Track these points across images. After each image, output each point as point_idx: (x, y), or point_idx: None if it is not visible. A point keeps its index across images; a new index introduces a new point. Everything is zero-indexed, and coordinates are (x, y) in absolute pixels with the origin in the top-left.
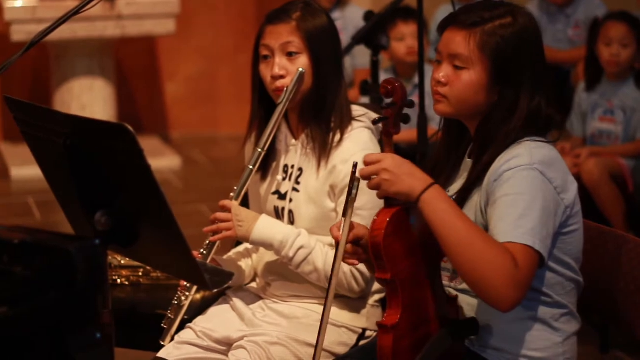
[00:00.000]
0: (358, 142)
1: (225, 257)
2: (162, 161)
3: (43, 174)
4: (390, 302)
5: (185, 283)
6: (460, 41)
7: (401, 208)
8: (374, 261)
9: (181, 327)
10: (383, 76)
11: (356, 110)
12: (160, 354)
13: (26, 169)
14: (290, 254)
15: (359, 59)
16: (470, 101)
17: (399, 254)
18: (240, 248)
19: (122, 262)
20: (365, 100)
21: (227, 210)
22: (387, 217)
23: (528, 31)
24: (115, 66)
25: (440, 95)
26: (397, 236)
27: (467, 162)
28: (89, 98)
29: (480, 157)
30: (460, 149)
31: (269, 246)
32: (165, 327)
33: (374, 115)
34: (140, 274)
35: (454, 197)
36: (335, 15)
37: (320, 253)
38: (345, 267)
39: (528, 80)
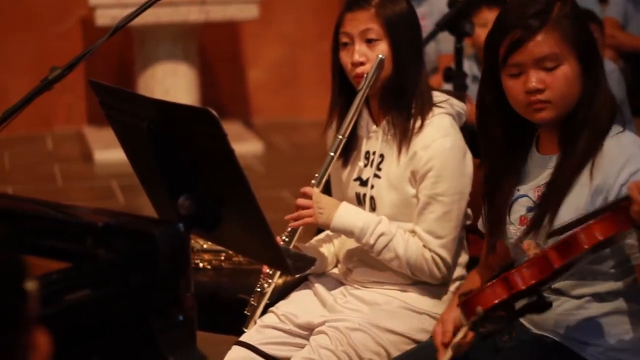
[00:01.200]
0: (439, 127)
1: (307, 244)
2: (245, 146)
3: (127, 158)
4: None
5: (267, 270)
6: (542, 43)
7: None
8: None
9: (263, 312)
10: (466, 63)
11: (437, 96)
12: (242, 338)
13: (110, 153)
14: (371, 241)
15: (443, 45)
16: (571, 96)
17: None
18: (322, 235)
19: (205, 246)
20: (448, 87)
21: (308, 197)
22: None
23: (575, 5)
24: (199, 51)
25: (541, 102)
26: None
27: (538, 156)
28: (172, 83)
29: (573, 147)
30: (525, 144)
31: (349, 233)
32: (248, 314)
33: (456, 102)
34: (223, 258)
35: (542, 191)
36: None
37: (401, 240)
38: (426, 253)
39: (598, 59)
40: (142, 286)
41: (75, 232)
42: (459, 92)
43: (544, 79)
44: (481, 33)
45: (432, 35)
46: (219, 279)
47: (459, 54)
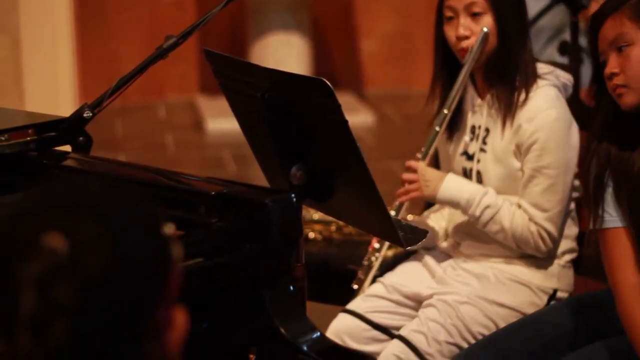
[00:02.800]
0: (544, 99)
1: (417, 217)
2: (356, 117)
3: (240, 127)
4: None
5: (375, 244)
6: (617, 25)
7: None
8: None
9: (373, 283)
10: (582, 38)
11: (542, 68)
12: (348, 306)
13: (222, 122)
14: (477, 213)
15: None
16: None
17: None
18: (433, 208)
19: (315, 216)
20: (563, 60)
21: (413, 170)
22: None
23: None
24: (311, 22)
25: (620, 87)
26: None
27: None
28: (285, 53)
29: None
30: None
31: (455, 205)
32: (355, 287)
33: (562, 74)
34: (333, 229)
35: None
36: None
37: (507, 212)
38: (532, 227)
39: None
40: (254, 255)
41: (188, 200)
42: (573, 65)
43: (619, 62)
44: (595, 7)
45: (549, 8)
46: (329, 249)
47: (574, 27)
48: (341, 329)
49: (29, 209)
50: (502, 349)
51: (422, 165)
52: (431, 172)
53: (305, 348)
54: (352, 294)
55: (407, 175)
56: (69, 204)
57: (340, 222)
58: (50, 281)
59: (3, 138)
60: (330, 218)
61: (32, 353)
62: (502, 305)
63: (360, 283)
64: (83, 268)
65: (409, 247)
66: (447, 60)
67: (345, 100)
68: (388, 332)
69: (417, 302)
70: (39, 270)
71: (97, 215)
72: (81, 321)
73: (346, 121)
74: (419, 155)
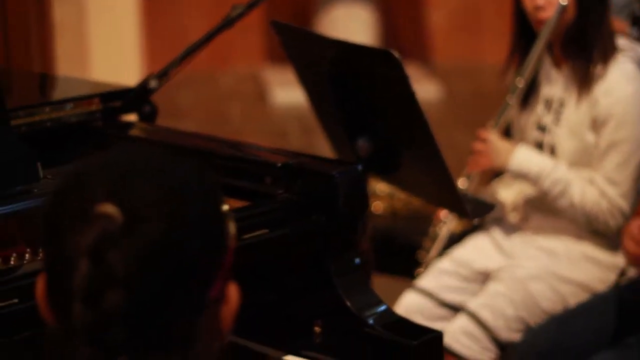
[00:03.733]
0: (621, 73)
1: (485, 189)
2: (423, 89)
3: (307, 98)
4: None
5: (441, 216)
6: None
7: None
8: None
9: (439, 257)
10: None
11: (622, 43)
12: (416, 283)
13: (288, 93)
14: (546, 187)
15: None
16: None
17: None
18: (502, 181)
19: (382, 189)
20: (633, 32)
21: (484, 141)
22: None
23: None
24: None
25: None
26: None
27: None
28: (351, 24)
29: None
30: None
31: (525, 177)
32: (421, 259)
33: None
34: (399, 203)
35: None
36: None
37: (577, 187)
38: (603, 203)
39: None
40: (320, 227)
41: (255, 171)
42: None
43: None
44: None
45: None
46: (394, 223)
47: None
48: (409, 306)
49: (86, 177)
50: (573, 326)
51: (493, 136)
52: (502, 143)
53: (371, 321)
54: (417, 267)
55: (477, 145)
56: (127, 172)
57: (407, 197)
58: (103, 250)
59: (68, 107)
60: (396, 191)
61: (86, 324)
62: (571, 281)
63: (426, 255)
64: (137, 237)
65: (475, 220)
66: (524, 31)
67: (412, 72)
68: (456, 308)
69: (484, 277)
70: (92, 239)
71: (155, 184)
72: (135, 291)
73: (414, 93)
74: (490, 126)
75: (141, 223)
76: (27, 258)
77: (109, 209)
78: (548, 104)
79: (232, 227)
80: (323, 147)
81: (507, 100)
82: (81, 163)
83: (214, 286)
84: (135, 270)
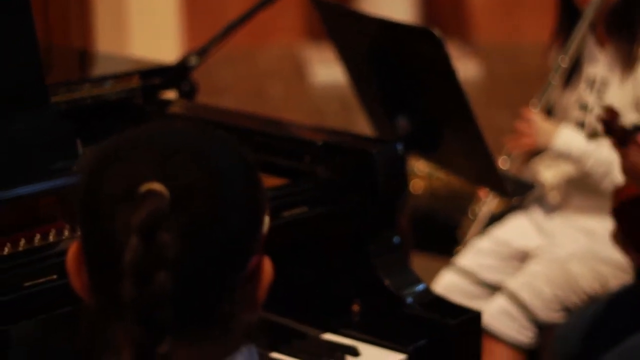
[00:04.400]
0: None
1: (525, 168)
2: (465, 68)
3: (347, 76)
4: None
5: (481, 196)
6: None
7: None
8: None
9: (478, 236)
10: None
11: None
12: (455, 263)
13: (328, 71)
14: (589, 167)
15: None
16: None
17: None
18: (542, 160)
19: (421, 168)
20: None
21: (527, 120)
22: None
23: None
24: None
25: None
26: None
27: None
28: (392, 2)
29: None
30: None
31: (567, 157)
32: (460, 238)
33: None
34: (438, 182)
35: None
36: None
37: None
38: None
39: None
40: (359, 205)
41: (294, 149)
42: None
43: None
44: None
45: None
46: (434, 203)
47: None
48: (448, 285)
49: (128, 154)
50: (614, 308)
51: (536, 116)
52: (545, 123)
53: (409, 300)
54: (456, 246)
55: (520, 125)
56: (169, 150)
57: (446, 176)
58: (153, 228)
59: (108, 84)
60: (435, 171)
61: (135, 302)
62: (611, 262)
63: (465, 234)
64: (184, 214)
65: (515, 199)
66: (568, 11)
67: (453, 50)
68: (495, 288)
69: (524, 257)
70: (142, 217)
71: (196, 162)
72: (183, 270)
73: (455, 71)
74: (533, 105)
75: (187, 201)
76: (65, 234)
77: (158, 187)
78: (591, 83)
79: (267, 203)
80: (362, 126)
81: (550, 80)
82: (118, 140)
83: (252, 260)
84: (183, 250)
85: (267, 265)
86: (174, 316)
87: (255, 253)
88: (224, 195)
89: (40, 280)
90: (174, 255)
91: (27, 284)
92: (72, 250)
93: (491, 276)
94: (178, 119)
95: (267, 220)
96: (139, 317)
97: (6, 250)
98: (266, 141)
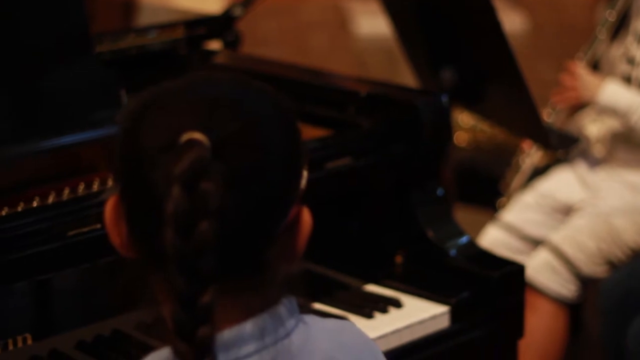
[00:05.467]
0: None
1: (570, 122)
2: (510, 20)
3: (391, 27)
4: None
5: (525, 148)
6: None
7: None
8: None
9: (522, 190)
10: None
11: None
12: (500, 218)
13: (372, 22)
14: (634, 122)
15: None
16: None
17: None
18: (587, 114)
19: (465, 120)
20: None
21: (572, 74)
22: None
23: None
24: None
25: None
26: None
27: None
28: None
29: None
30: None
31: (613, 112)
32: (504, 191)
33: None
34: (482, 134)
35: None
36: None
37: None
38: None
39: None
40: (403, 157)
41: (338, 100)
42: None
43: None
44: None
45: None
46: (477, 154)
47: None
48: (493, 241)
49: (168, 104)
50: None
51: (582, 69)
52: (591, 77)
53: (452, 252)
54: (500, 198)
55: (565, 78)
56: (209, 101)
57: (490, 129)
58: (195, 177)
59: (152, 34)
60: (480, 124)
61: (177, 252)
62: None
63: (509, 187)
64: (225, 164)
65: (560, 152)
66: None
67: (498, 2)
68: (539, 243)
69: (567, 210)
70: (185, 167)
71: (236, 112)
72: (225, 220)
73: (500, 23)
74: (579, 59)
75: (227, 151)
76: (109, 184)
77: (199, 136)
78: (638, 37)
79: (306, 152)
80: (406, 78)
81: (597, 34)
82: (158, 90)
83: (291, 210)
84: (225, 199)
85: (307, 216)
86: (216, 266)
87: (295, 203)
88: (263, 145)
89: (84, 230)
90: (216, 204)
91: (70, 233)
92: (110, 205)
93: (536, 231)
94: (219, 70)
95: (306, 170)
96: (181, 268)
97: (50, 200)
98: (310, 92)
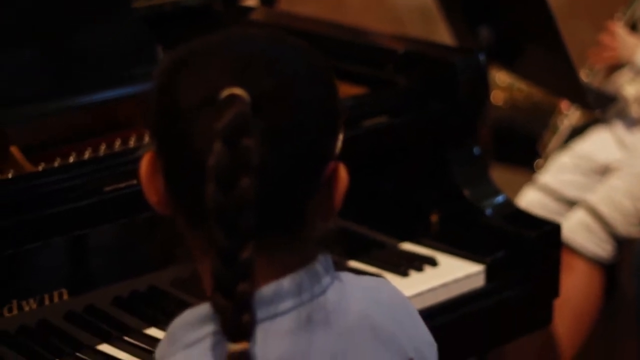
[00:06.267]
0: None
1: (608, 82)
2: None
3: None
4: None
5: (563, 108)
6: None
7: None
8: None
9: (559, 151)
10: None
11: None
12: (537, 179)
13: None
14: None
15: None
16: None
17: None
18: (625, 74)
19: (502, 79)
20: None
21: (611, 33)
22: None
23: None
24: None
25: None
26: None
27: None
28: None
29: None
30: None
31: None
32: (541, 151)
33: None
34: (519, 93)
35: None
36: None
37: None
38: None
39: None
40: (440, 115)
41: (375, 57)
42: None
43: None
44: None
45: None
46: (514, 113)
47: None
48: (530, 203)
49: (206, 59)
50: None
51: (621, 29)
52: (630, 37)
53: (488, 211)
54: (537, 158)
55: (603, 38)
56: (245, 56)
57: (527, 88)
58: (237, 133)
59: None
60: (517, 83)
61: (219, 207)
62: None
63: (546, 147)
64: (264, 119)
65: (597, 112)
66: None
67: None
68: (575, 204)
69: (604, 171)
70: (226, 122)
71: (272, 68)
72: (264, 172)
73: None
74: (618, 18)
75: (266, 107)
76: (146, 140)
77: (240, 92)
78: None
79: (343, 109)
80: (443, 37)
81: None
82: (194, 45)
83: (328, 166)
84: (265, 155)
85: (343, 173)
86: (257, 222)
87: (332, 159)
88: (300, 101)
89: (121, 185)
90: (256, 160)
91: (107, 188)
92: (145, 162)
93: (573, 192)
94: (255, 27)
95: (343, 127)
96: (222, 222)
97: (87, 155)
98: (347, 50)
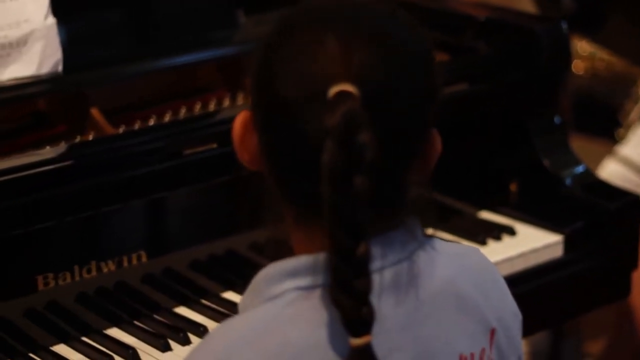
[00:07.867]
0: None
1: None
2: None
3: None
4: None
5: None
6: None
7: None
8: None
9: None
10: None
11: None
12: (618, 149)
13: None
14: None
15: None
16: None
17: None
18: None
19: (584, 48)
20: None
21: None
22: None
23: None
24: None
25: None
26: None
27: None
28: None
29: None
30: None
31: None
32: (622, 120)
33: None
34: (601, 63)
35: None
36: None
37: None
38: None
39: None
40: (521, 84)
41: (456, 24)
42: None
43: None
44: None
45: None
46: (595, 83)
47: None
48: (611, 175)
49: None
50: None
51: None
52: None
53: (568, 182)
54: (618, 127)
55: None
56: (349, 36)
57: (609, 57)
58: (351, 132)
59: None
60: (598, 52)
61: (335, 206)
62: None
63: (627, 117)
64: (373, 113)
65: None
66: None
67: None
68: None
69: None
70: (337, 121)
71: (383, 51)
72: (377, 168)
73: None
74: None
75: (376, 100)
76: (226, 104)
77: (350, 88)
78: None
79: (441, 81)
80: (525, 4)
81: None
82: (295, 19)
83: (427, 134)
84: (377, 150)
85: (437, 139)
86: (371, 219)
87: (430, 127)
88: (409, 86)
89: (200, 149)
90: (371, 157)
91: (187, 151)
92: (239, 121)
93: None
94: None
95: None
96: (339, 222)
97: (167, 118)
98: (428, 16)
